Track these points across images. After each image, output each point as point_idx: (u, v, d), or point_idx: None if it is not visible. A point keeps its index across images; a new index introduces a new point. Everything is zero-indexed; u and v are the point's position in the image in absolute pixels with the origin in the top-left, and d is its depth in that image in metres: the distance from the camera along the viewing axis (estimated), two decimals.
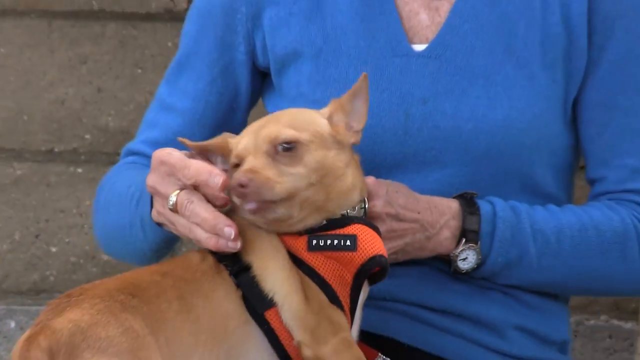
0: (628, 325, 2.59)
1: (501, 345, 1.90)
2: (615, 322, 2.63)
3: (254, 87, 1.96)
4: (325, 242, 1.64)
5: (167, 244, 1.80)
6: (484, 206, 1.79)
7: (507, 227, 1.80)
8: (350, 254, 1.65)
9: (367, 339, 1.76)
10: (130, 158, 1.96)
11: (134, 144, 1.98)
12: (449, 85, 1.85)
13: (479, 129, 1.83)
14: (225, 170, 1.65)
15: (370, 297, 1.73)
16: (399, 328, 1.84)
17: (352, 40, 1.90)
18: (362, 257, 1.65)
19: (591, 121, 1.89)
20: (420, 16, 1.91)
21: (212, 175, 1.57)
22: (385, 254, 1.64)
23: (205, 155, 1.70)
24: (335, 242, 1.65)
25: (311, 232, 1.66)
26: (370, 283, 1.67)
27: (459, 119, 1.84)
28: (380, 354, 1.75)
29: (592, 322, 2.62)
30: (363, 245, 1.65)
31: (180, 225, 1.63)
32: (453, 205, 1.78)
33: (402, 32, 1.90)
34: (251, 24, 1.94)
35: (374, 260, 1.64)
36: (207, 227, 1.60)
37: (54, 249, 2.61)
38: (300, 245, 1.65)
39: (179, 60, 2.00)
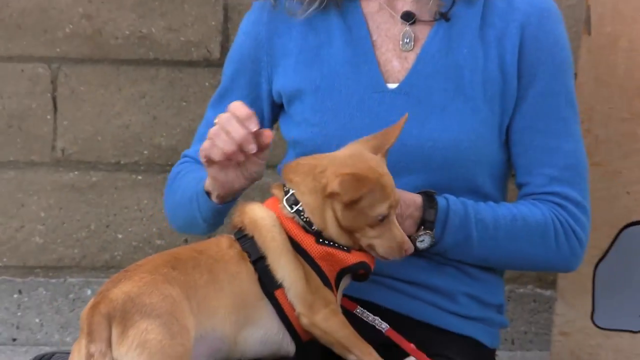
0: (548, 292, 2.58)
1: (453, 308, 1.90)
2: (538, 290, 2.63)
3: (273, 114, 1.99)
4: (328, 242, 1.65)
5: (214, 215, 1.83)
6: (440, 201, 1.80)
7: (456, 217, 1.81)
8: (344, 254, 1.65)
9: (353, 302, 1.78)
10: (185, 159, 2.00)
11: (188, 152, 2.01)
12: (414, 114, 1.84)
13: (436, 146, 1.85)
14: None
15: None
16: (378, 294, 1.84)
17: (343, 79, 1.90)
18: (353, 260, 1.66)
19: (519, 142, 1.90)
20: (393, 63, 1.92)
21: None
22: (371, 264, 1.67)
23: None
24: (345, 247, 1.66)
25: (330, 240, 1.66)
26: (355, 279, 1.71)
27: (421, 139, 1.86)
28: (358, 306, 1.74)
29: (521, 290, 2.62)
30: (356, 253, 1.67)
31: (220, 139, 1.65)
32: (417, 199, 1.79)
33: (380, 75, 1.91)
34: (270, 69, 1.96)
35: (360, 264, 1.66)
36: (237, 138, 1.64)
37: (120, 236, 2.60)
38: (308, 240, 1.64)
39: (220, 93, 2.01)
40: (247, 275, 1.64)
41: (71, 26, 2.55)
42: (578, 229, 1.87)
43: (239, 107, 1.65)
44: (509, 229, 1.84)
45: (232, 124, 1.64)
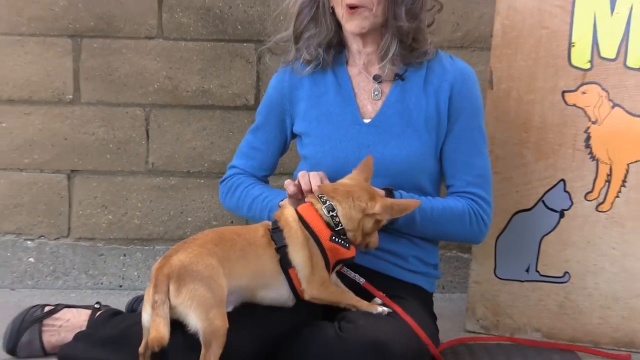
0: (466, 255, 2.57)
1: (406, 266, 1.92)
2: (460, 254, 2.62)
3: (291, 138, 2.00)
4: (337, 241, 1.66)
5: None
6: (396, 194, 1.80)
7: None
8: (344, 250, 1.66)
9: None
10: (234, 169, 2.00)
11: (233, 163, 2.02)
12: (380, 140, 1.88)
13: (394, 161, 1.87)
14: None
15: None
16: (358, 257, 1.78)
17: (335, 116, 1.91)
18: (349, 255, 1.68)
19: (448, 158, 1.92)
20: (367, 107, 1.94)
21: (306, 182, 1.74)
22: (354, 256, 1.69)
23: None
24: (342, 242, 1.67)
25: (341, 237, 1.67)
26: (344, 263, 1.71)
27: (385, 155, 1.88)
28: (344, 267, 1.74)
29: (448, 254, 2.60)
30: (351, 250, 1.68)
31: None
32: (381, 192, 1.77)
33: (358, 114, 1.92)
34: (291, 111, 1.97)
35: (352, 258, 1.69)
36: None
37: (189, 219, 2.59)
38: (325, 235, 1.65)
39: (257, 126, 2.01)
40: (269, 257, 1.63)
41: (158, 84, 2.53)
42: (485, 216, 1.89)
43: (314, 176, 1.72)
44: (440, 214, 1.84)
45: (305, 179, 1.72)
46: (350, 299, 1.68)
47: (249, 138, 2.03)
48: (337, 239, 1.64)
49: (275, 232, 1.64)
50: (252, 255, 1.61)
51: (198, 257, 1.54)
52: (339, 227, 1.65)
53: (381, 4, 1.81)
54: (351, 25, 1.84)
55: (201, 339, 1.51)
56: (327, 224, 1.65)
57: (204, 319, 1.50)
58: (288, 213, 1.67)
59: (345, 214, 1.65)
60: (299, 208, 1.68)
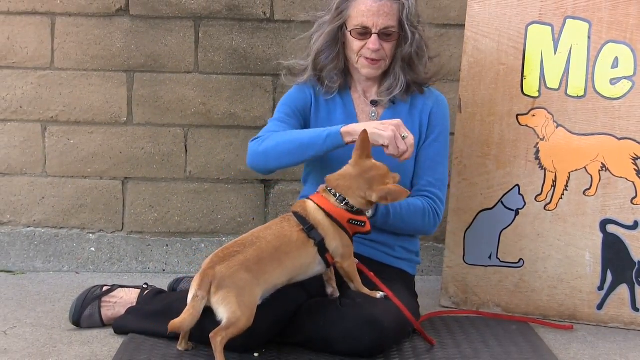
0: (441, 245, 2.53)
1: (393, 253, 1.92)
2: (436, 244, 2.58)
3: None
4: (354, 222, 1.64)
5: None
6: None
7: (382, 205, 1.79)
8: (360, 228, 1.65)
9: None
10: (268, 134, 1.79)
11: (268, 128, 1.81)
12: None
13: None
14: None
15: None
16: (355, 246, 1.75)
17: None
18: (365, 230, 1.67)
19: (417, 162, 1.89)
20: (365, 122, 1.90)
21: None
22: (370, 230, 1.66)
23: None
24: (357, 223, 1.64)
25: (356, 219, 1.64)
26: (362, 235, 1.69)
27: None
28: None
29: (426, 244, 2.50)
30: (367, 226, 1.67)
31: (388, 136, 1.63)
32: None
33: None
34: (310, 117, 1.88)
35: (368, 232, 1.67)
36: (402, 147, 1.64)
37: (219, 216, 2.55)
38: (344, 218, 1.63)
39: (285, 113, 1.85)
40: (307, 252, 1.61)
41: (194, 108, 2.51)
42: (439, 212, 1.87)
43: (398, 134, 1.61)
44: (407, 211, 1.81)
45: (399, 142, 1.61)
46: (358, 280, 1.69)
47: (277, 117, 1.85)
48: (353, 221, 1.63)
49: (311, 231, 1.61)
50: (288, 261, 1.60)
51: (235, 272, 1.54)
52: (355, 209, 1.63)
53: (391, 56, 1.82)
54: (366, 72, 1.84)
55: (224, 321, 1.53)
56: (345, 210, 1.62)
57: (231, 315, 1.52)
58: (311, 207, 1.63)
59: (354, 202, 1.63)
60: (316, 200, 1.64)
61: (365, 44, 1.79)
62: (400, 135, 1.64)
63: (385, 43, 1.79)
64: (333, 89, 1.87)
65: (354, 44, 1.81)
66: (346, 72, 1.90)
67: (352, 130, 1.66)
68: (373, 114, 1.89)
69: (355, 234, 1.66)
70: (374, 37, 1.77)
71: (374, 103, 1.90)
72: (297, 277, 1.64)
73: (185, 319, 1.52)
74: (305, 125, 1.88)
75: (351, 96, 1.91)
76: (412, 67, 1.86)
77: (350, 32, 1.80)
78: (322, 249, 1.63)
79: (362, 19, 1.77)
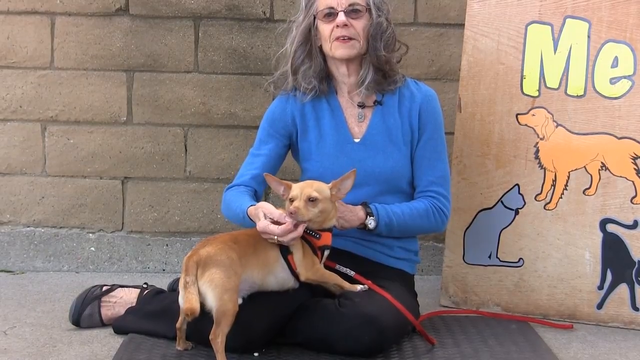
0: (440, 245, 2.54)
1: (392, 254, 1.93)
2: (436, 244, 2.59)
3: (287, 151, 1.94)
4: (309, 232, 1.67)
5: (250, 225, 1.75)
6: (371, 206, 1.80)
7: (383, 213, 1.81)
8: (315, 239, 1.68)
9: (335, 251, 1.76)
10: (236, 185, 1.88)
11: (235, 182, 1.90)
12: (369, 155, 1.88)
13: (380, 171, 1.88)
14: (284, 195, 1.69)
15: (347, 235, 1.82)
16: (353, 247, 1.86)
17: (330, 137, 1.89)
18: (321, 243, 1.69)
19: (415, 163, 1.90)
20: (355, 128, 1.94)
21: (282, 217, 1.62)
22: (330, 244, 1.68)
23: (278, 182, 1.69)
24: (312, 234, 1.68)
25: (312, 230, 1.67)
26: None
27: (374, 167, 1.89)
28: (336, 264, 1.74)
29: (426, 244, 2.56)
30: (324, 239, 1.68)
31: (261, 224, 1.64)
32: (360, 214, 1.78)
33: (349, 134, 1.91)
34: (294, 130, 1.92)
35: (327, 245, 1.69)
36: (278, 232, 1.63)
37: (219, 216, 2.53)
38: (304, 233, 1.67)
39: (259, 139, 1.93)
40: (273, 250, 1.65)
41: (194, 108, 2.52)
42: (445, 209, 1.88)
43: (271, 212, 1.61)
44: (410, 216, 1.83)
45: (270, 229, 1.60)
46: (335, 279, 1.69)
47: (252, 151, 1.92)
48: (309, 232, 1.66)
49: None
50: (261, 250, 1.64)
51: (221, 250, 1.56)
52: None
53: (364, 37, 1.81)
54: (340, 52, 1.81)
55: (214, 317, 1.53)
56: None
57: (219, 299, 1.52)
58: None
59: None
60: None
61: (335, 25, 1.79)
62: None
63: (355, 21, 1.79)
64: (308, 90, 1.86)
65: (325, 29, 1.81)
66: (330, 77, 1.91)
67: (255, 213, 1.69)
68: (360, 117, 1.89)
69: (322, 249, 1.69)
70: (340, 14, 1.78)
71: (360, 105, 1.90)
72: (267, 277, 1.65)
73: (192, 304, 1.50)
74: (291, 138, 1.90)
75: (338, 100, 1.91)
76: (386, 48, 1.81)
77: (320, 20, 1.82)
78: (285, 249, 1.66)
79: (327, 1, 1.80)
